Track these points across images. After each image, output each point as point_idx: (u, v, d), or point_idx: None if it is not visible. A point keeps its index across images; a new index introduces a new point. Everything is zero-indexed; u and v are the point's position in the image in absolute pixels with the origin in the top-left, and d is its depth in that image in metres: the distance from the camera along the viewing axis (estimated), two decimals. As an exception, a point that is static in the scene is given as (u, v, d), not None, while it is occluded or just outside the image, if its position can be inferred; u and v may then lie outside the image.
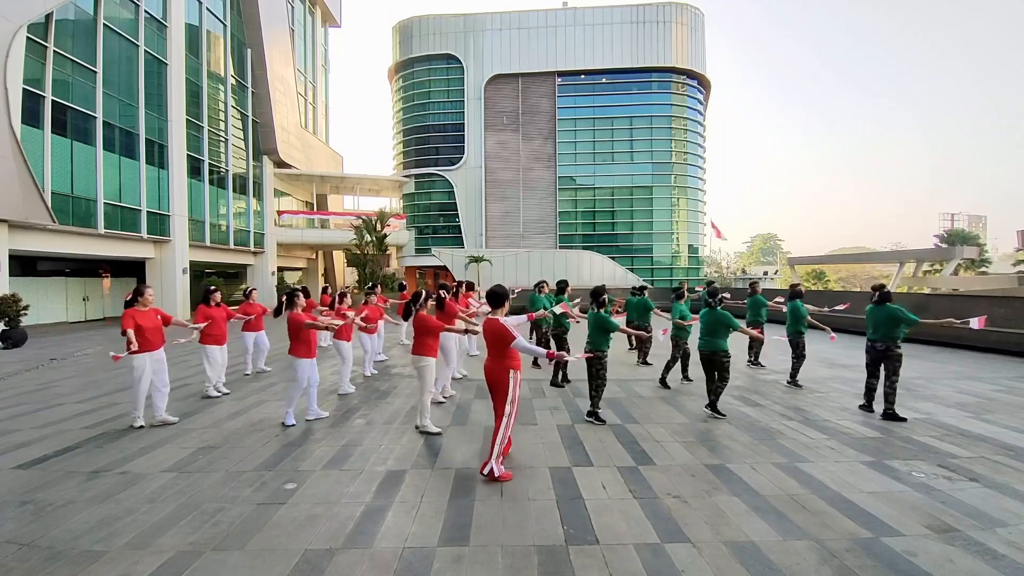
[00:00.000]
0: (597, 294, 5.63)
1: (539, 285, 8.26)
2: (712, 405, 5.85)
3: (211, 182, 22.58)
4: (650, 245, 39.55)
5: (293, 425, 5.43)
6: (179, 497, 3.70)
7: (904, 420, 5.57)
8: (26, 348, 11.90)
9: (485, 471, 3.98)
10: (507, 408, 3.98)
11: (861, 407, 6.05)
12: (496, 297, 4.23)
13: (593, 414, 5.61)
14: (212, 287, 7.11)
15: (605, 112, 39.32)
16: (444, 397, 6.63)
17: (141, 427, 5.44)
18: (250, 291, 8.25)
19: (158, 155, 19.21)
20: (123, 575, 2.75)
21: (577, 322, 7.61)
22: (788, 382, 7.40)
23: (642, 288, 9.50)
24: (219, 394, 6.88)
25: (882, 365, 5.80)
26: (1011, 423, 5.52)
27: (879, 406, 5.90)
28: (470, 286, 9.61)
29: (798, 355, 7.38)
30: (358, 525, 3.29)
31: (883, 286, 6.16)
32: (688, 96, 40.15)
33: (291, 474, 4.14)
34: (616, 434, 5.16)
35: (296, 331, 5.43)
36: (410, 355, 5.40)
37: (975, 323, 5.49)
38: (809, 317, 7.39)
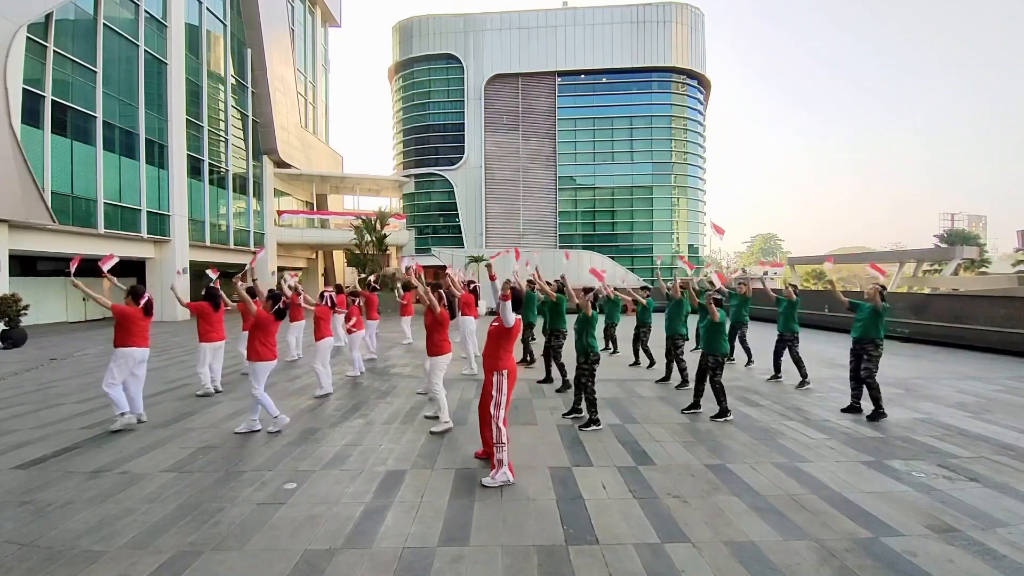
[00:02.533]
0: (590, 292, 5.69)
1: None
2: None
3: (211, 182, 22.57)
4: (650, 245, 39.51)
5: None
6: (179, 497, 3.70)
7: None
8: (26, 348, 11.90)
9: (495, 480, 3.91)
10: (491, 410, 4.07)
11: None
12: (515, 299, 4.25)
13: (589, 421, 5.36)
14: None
15: (605, 112, 39.30)
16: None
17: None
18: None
19: (158, 155, 19.20)
20: (123, 575, 2.74)
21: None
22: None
23: (644, 288, 9.62)
24: (215, 392, 6.90)
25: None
26: (1011, 423, 5.52)
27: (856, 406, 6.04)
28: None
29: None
30: (358, 525, 3.29)
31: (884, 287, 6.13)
32: (688, 96, 40.13)
33: (291, 474, 4.14)
34: (616, 434, 5.16)
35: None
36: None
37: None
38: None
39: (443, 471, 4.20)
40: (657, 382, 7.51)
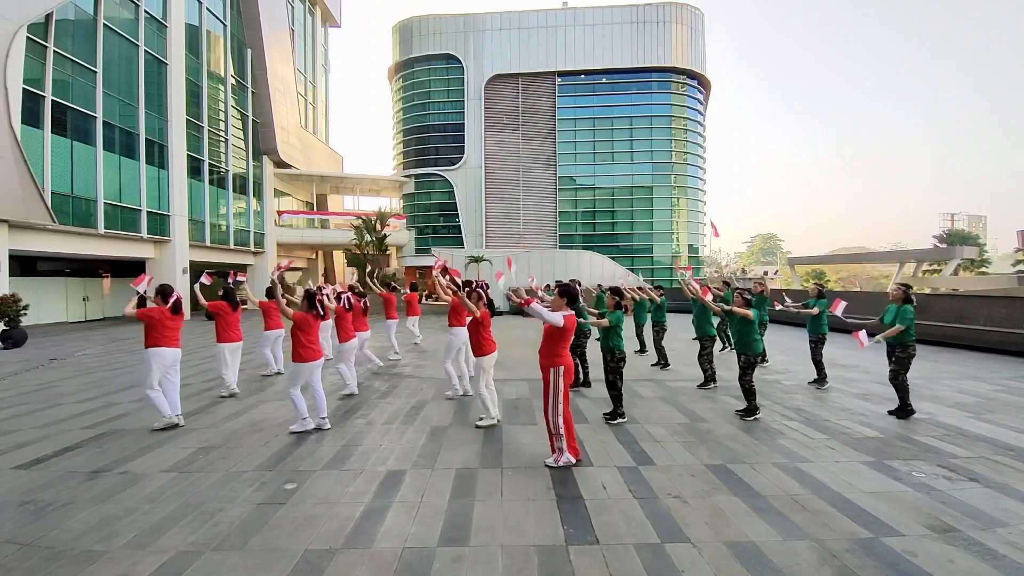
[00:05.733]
0: (617, 292, 5.66)
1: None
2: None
3: (211, 182, 22.58)
4: (650, 245, 39.56)
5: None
6: (179, 497, 3.70)
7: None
8: (26, 348, 11.90)
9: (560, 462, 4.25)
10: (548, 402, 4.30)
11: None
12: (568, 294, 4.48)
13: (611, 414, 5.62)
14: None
15: (605, 112, 39.31)
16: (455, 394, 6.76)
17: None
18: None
19: (158, 155, 19.21)
20: (123, 575, 2.74)
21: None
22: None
23: (658, 287, 9.77)
24: (229, 394, 6.89)
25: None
26: (1011, 423, 5.52)
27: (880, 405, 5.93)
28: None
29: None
30: (358, 525, 3.29)
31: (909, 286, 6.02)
32: (688, 96, 40.14)
33: (291, 474, 4.14)
34: (616, 434, 5.16)
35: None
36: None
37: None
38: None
39: (443, 471, 4.20)
40: (699, 387, 7.28)
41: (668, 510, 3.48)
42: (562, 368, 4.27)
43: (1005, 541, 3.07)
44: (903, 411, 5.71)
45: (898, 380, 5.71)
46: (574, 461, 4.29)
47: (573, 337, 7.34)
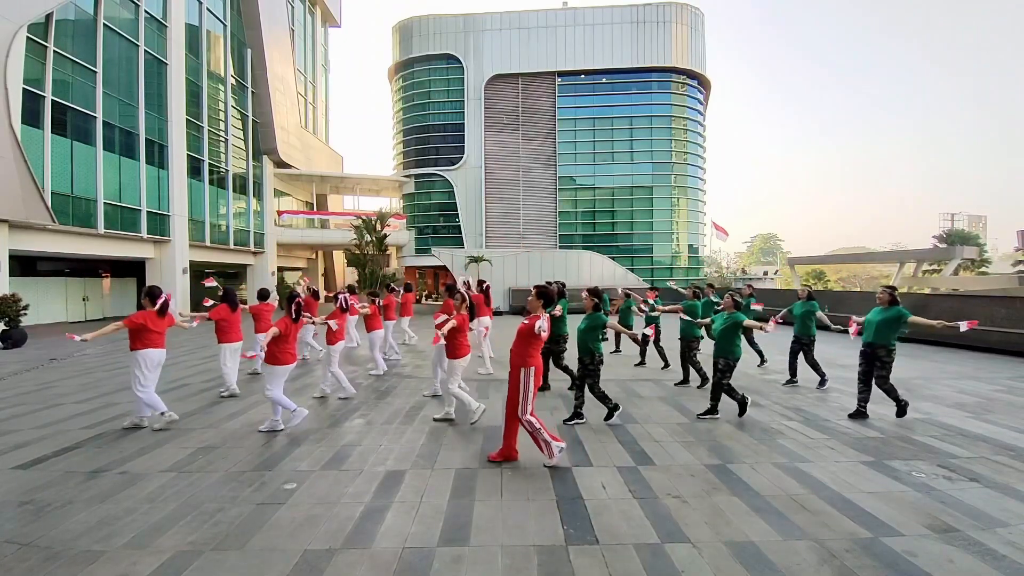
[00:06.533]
0: (596, 293, 5.64)
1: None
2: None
3: (211, 182, 22.58)
4: (650, 245, 39.52)
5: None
6: (179, 497, 3.70)
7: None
8: (26, 348, 11.90)
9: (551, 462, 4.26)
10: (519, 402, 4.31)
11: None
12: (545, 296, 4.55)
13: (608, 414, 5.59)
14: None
15: (605, 112, 39.27)
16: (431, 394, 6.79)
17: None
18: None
19: (158, 155, 19.21)
20: (122, 575, 2.74)
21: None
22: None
23: (653, 288, 9.77)
24: (229, 394, 6.89)
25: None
26: (1011, 423, 5.52)
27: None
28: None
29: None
30: (358, 525, 3.28)
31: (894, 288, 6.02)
32: (688, 96, 40.10)
33: (291, 474, 4.14)
34: (616, 434, 5.16)
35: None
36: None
37: (964, 326, 5.43)
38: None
39: (443, 471, 4.20)
40: (676, 385, 7.38)
41: (668, 510, 3.48)
42: (533, 369, 4.32)
43: (1005, 541, 3.07)
44: (902, 410, 5.70)
45: (887, 385, 5.69)
46: (563, 446, 4.28)
47: (554, 345, 7.23)
